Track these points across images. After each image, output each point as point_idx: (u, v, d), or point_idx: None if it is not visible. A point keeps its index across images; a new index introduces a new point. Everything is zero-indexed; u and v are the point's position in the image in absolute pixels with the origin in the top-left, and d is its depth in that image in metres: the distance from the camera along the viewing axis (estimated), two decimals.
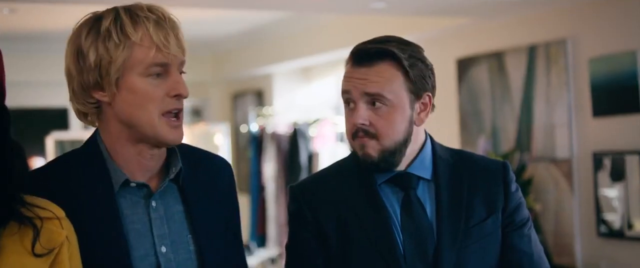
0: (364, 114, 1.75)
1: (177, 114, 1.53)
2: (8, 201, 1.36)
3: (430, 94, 1.81)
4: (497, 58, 5.22)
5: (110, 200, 1.50)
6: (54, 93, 8.37)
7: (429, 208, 1.79)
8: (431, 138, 1.88)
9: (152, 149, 1.54)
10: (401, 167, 1.80)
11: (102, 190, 1.51)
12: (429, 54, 1.85)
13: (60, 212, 1.42)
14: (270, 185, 7.08)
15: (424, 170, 1.82)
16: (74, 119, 8.49)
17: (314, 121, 6.90)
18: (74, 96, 1.53)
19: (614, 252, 4.52)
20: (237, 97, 8.34)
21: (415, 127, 1.80)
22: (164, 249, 1.53)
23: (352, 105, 1.77)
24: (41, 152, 7.49)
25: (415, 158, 1.81)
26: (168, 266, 1.53)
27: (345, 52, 1.84)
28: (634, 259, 4.41)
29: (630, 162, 4.35)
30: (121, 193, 1.53)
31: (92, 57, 1.47)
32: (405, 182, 1.81)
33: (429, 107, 1.81)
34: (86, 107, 1.53)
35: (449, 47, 5.58)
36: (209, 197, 1.63)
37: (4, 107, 1.41)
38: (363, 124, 1.75)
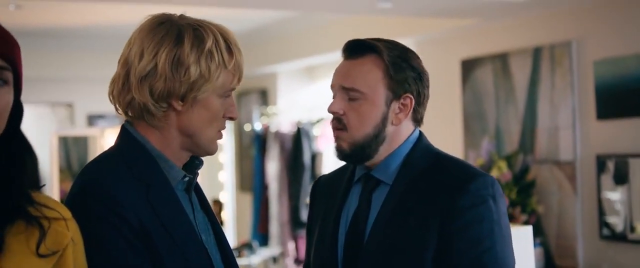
0: (338, 103, 1.80)
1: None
2: (18, 198, 1.34)
3: (411, 97, 1.80)
4: (501, 59, 5.21)
5: (174, 194, 1.60)
6: (59, 89, 8.38)
7: (376, 212, 1.79)
8: (420, 142, 1.85)
9: (189, 154, 1.65)
10: (374, 165, 1.83)
11: (164, 185, 1.59)
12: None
13: (67, 213, 1.41)
14: (273, 184, 7.09)
15: (386, 174, 1.81)
16: (78, 116, 8.49)
17: (318, 120, 6.91)
18: (149, 95, 1.55)
19: (616, 255, 4.51)
20: (241, 96, 8.34)
21: (393, 127, 1.81)
22: (203, 236, 1.64)
23: (333, 95, 1.83)
24: (45, 147, 7.48)
25: (383, 160, 1.82)
26: (210, 250, 1.64)
27: None
28: (636, 262, 4.40)
29: (634, 165, 4.35)
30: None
31: (193, 71, 1.54)
32: (364, 182, 1.85)
33: (409, 109, 1.81)
34: (157, 109, 1.57)
35: (453, 48, 5.57)
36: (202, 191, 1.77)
37: (20, 102, 1.40)
38: (336, 113, 1.80)
